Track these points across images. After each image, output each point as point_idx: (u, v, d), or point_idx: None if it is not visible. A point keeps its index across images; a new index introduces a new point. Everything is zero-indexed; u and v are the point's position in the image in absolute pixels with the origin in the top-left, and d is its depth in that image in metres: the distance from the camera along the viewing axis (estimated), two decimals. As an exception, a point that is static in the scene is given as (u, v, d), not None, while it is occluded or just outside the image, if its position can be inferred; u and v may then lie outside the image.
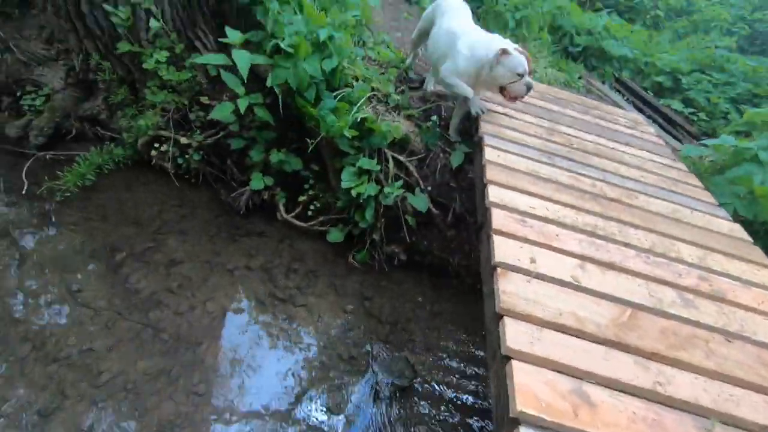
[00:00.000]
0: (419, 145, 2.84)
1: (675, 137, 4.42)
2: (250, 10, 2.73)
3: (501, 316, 1.29)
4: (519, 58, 2.30)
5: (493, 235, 1.59)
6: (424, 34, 2.97)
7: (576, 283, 1.48)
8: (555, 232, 1.71)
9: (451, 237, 2.90)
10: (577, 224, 1.80)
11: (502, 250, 1.52)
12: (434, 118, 2.91)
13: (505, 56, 2.30)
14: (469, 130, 3.03)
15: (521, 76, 2.32)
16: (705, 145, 3.09)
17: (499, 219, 1.67)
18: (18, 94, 3.04)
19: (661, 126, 4.45)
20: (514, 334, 1.22)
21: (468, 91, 2.52)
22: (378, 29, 3.82)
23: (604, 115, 3.12)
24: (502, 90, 2.43)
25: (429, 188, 2.82)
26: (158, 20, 2.61)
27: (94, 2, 2.59)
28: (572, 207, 1.91)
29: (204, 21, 2.91)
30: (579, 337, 1.28)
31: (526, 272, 1.46)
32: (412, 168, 2.79)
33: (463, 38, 2.50)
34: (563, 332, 1.29)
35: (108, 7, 2.57)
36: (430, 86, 3.15)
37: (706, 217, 2.15)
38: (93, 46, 2.81)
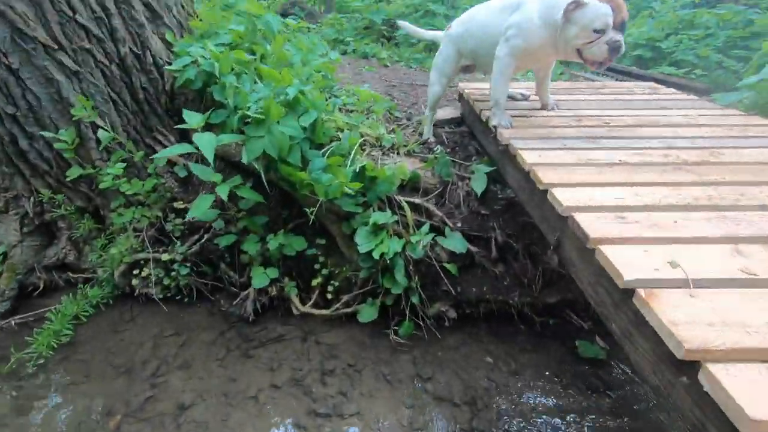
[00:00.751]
0: (432, 180, 2.43)
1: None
2: (205, 96, 2.45)
3: (696, 365, 0.77)
4: (596, 9, 1.69)
5: (600, 247, 1.11)
6: (454, 67, 2.40)
7: (754, 277, 0.98)
8: (669, 218, 1.23)
9: (502, 273, 2.39)
10: (688, 201, 1.33)
11: (625, 262, 1.03)
12: (438, 147, 2.54)
13: (576, 9, 1.72)
14: (466, 146, 2.65)
15: (599, 32, 1.71)
16: (737, 89, 2.73)
17: (591, 225, 1.20)
18: (-29, 263, 2.64)
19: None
20: (742, 390, 0.70)
21: (502, 96, 2.07)
22: (344, 84, 3.59)
23: (617, 90, 2.78)
24: (581, 54, 1.83)
25: (458, 224, 2.37)
26: (107, 130, 2.30)
27: (32, 134, 2.29)
28: (664, 184, 1.45)
29: (160, 122, 2.62)
30: (835, 362, 0.77)
31: (679, 283, 0.97)
32: (432, 208, 2.35)
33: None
34: (806, 360, 0.77)
35: (47, 134, 2.26)
36: (428, 133, 2.69)
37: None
38: (42, 183, 2.47)
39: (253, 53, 2.70)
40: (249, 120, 2.09)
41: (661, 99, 2.58)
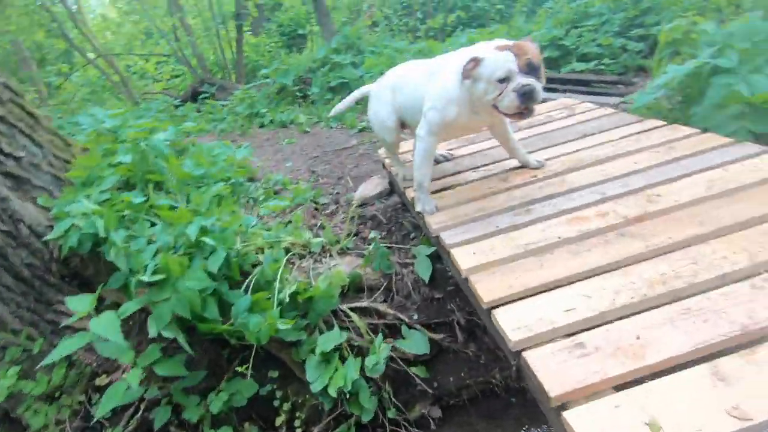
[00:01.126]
0: (374, 275, 2.21)
1: (601, 94, 4.13)
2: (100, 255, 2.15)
3: None
4: (494, 59, 1.57)
5: (564, 415, 0.91)
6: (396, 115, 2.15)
7: (750, 423, 0.80)
8: (630, 332, 1.06)
9: (475, 355, 2.19)
10: (644, 292, 1.16)
11: (599, 440, 0.83)
12: (373, 235, 2.34)
13: (475, 67, 1.62)
14: (401, 223, 2.46)
15: (505, 81, 1.58)
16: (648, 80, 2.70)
17: (548, 370, 1.01)
18: None
19: (582, 93, 4.17)
20: None
21: (425, 179, 1.91)
22: (264, 172, 3.37)
23: (534, 120, 2.68)
24: (498, 110, 1.67)
25: (414, 316, 2.16)
26: (-13, 336, 1.95)
27: None
28: (611, 269, 1.29)
29: (59, 291, 2.28)
30: None
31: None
32: (382, 307, 2.13)
33: (448, 65, 1.80)
34: None
35: None
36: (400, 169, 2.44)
37: (752, 162, 1.62)
38: (-72, 408, 2.08)
39: (147, 183, 2.43)
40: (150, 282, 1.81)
41: (579, 122, 2.50)
